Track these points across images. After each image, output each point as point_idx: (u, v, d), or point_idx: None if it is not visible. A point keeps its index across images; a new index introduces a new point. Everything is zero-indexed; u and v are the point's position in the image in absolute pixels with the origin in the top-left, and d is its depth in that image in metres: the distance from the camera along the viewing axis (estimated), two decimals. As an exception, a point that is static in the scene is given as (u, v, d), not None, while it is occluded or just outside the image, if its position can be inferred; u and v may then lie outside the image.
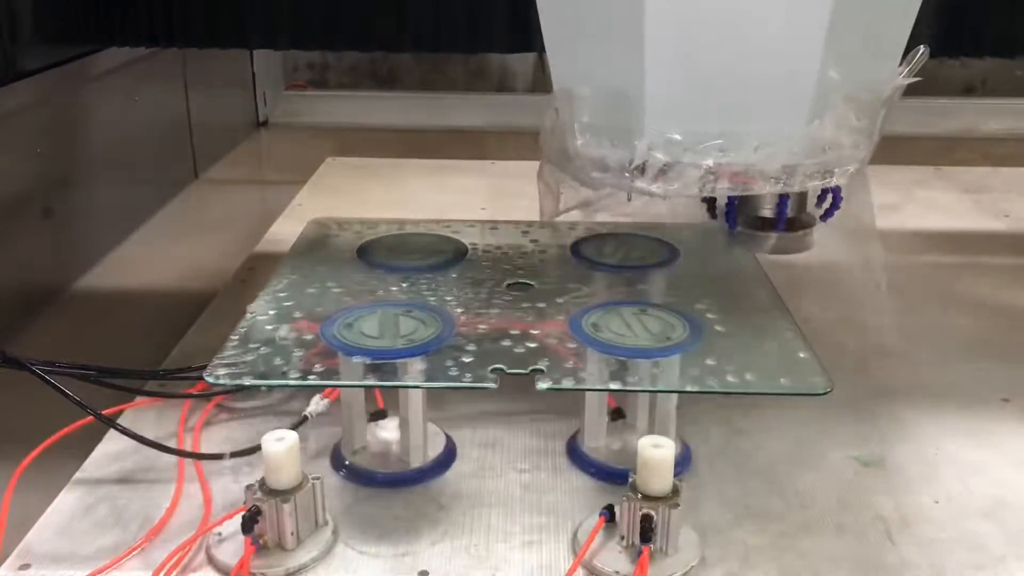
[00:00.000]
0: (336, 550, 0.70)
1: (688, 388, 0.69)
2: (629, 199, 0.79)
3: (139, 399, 0.88)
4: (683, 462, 0.81)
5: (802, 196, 0.85)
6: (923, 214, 1.58)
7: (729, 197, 0.86)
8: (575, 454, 0.82)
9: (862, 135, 0.75)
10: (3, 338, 0.94)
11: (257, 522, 0.67)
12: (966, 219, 1.56)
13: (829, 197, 0.86)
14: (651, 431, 0.77)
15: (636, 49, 0.70)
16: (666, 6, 0.69)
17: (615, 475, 0.77)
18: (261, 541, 0.67)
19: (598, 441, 0.82)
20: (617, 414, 0.84)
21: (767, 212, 0.85)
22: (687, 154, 0.71)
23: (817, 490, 0.79)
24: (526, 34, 0.98)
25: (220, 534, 0.70)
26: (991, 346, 1.07)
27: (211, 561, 0.68)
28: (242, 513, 0.67)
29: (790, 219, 0.86)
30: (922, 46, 0.76)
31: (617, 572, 0.67)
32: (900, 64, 0.76)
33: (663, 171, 0.72)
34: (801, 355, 0.72)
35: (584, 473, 0.80)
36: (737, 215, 0.87)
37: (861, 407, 0.92)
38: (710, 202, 0.88)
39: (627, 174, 0.73)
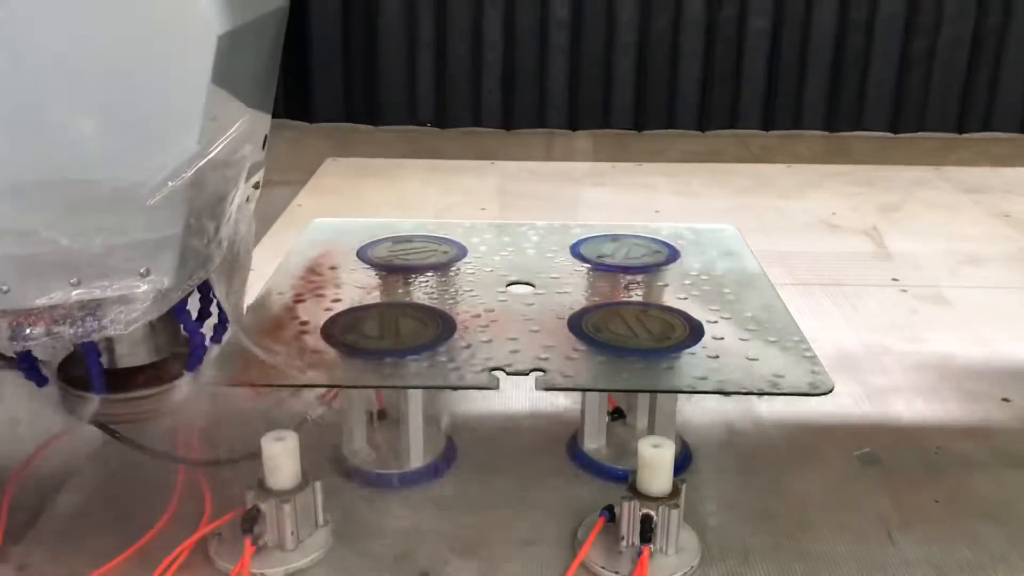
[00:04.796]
0: (336, 550, 0.70)
1: (688, 388, 0.69)
2: None
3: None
4: (683, 462, 0.81)
5: (150, 341, 0.63)
6: (923, 214, 1.58)
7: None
8: (575, 454, 0.82)
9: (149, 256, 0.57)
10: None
11: (257, 522, 0.67)
12: (966, 219, 1.56)
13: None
14: (651, 431, 0.77)
15: None
16: None
17: (615, 475, 0.77)
18: (261, 541, 0.67)
19: (598, 441, 0.82)
20: (617, 414, 0.84)
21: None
22: None
23: (817, 490, 0.79)
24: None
25: (220, 534, 0.70)
26: (991, 346, 1.07)
27: (211, 561, 0.68)
28: (242, 513, 0.67)
29: (124, 373, 0.62)
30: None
31: (617, 572, 0.67)
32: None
33: None
34: (802, 355, 0.72)
35: (584, 473, 0.80)
36: (57, 369, 0.66)
37: (861, 407, 0.92)
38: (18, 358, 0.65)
39: None
